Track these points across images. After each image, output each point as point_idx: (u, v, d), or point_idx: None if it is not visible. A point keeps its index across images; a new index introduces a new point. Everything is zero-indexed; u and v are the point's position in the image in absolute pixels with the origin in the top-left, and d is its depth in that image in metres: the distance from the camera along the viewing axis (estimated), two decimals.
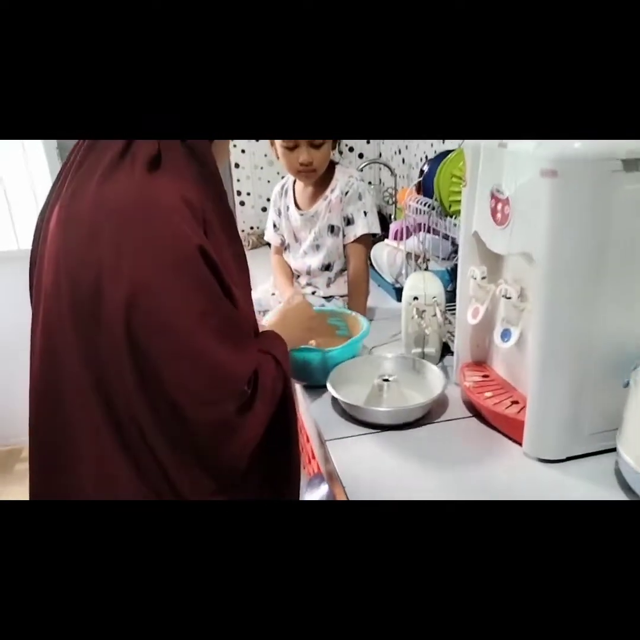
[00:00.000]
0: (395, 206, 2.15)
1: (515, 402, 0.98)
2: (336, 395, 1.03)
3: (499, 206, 0.90)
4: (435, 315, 1.11)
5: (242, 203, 2.39)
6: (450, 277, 1.44)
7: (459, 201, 1.21)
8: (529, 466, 0.90)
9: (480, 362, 1.12)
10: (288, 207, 1.57)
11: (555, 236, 0.79)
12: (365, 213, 1.46)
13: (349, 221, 1.47)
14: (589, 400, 0.86)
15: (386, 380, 1.05)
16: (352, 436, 1.00)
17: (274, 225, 1.63)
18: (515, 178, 0.84)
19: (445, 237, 1.62)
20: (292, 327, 0.96)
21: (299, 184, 1.54)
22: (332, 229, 1.48)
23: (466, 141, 1.01)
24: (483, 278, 1.00)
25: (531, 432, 0.90)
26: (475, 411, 1.05)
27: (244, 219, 2.39)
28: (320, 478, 1.56)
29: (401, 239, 1.61)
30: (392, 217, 2.15)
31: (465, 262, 1.04)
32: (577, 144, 0.73)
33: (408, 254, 1.55)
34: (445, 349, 1.26)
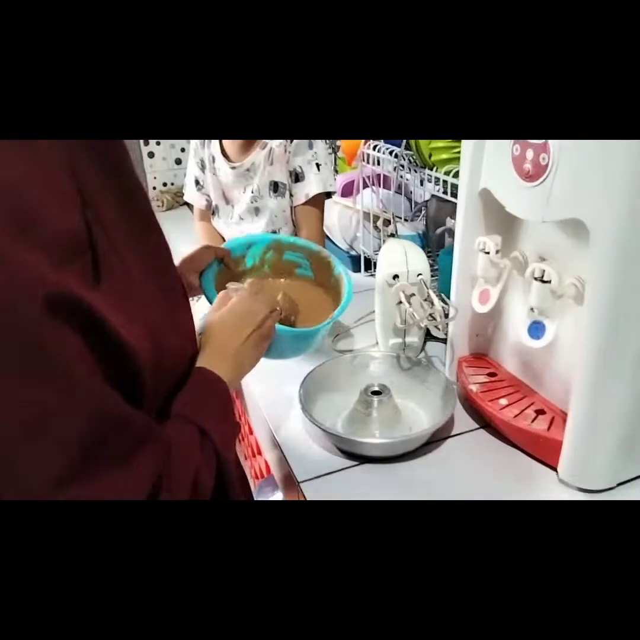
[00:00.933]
0: (335, 155, 1.85)
1: (540, 412, 0.76)
2: (312, 419, 0.76)
3: (529, 153, 0.64)
4: (427, 299, 0.85)
5: (150, 154, 1.99)
6: (423, 243, 1.19)
7: (445, 148, 0.95)
8: (568, 496, 0.69)
9: (480, 355, 0.89)
10: (213, 158, 1.24)
11: (627, 199, 0.54)
12: (317, 165, 1.15)
13: (297, 176, 1.16)
14: None
15: (376, 393, 0.79)
16: (332, 472, 0.75)
17: (197, 182, 1.29)
18: None
19: (405, 193, 1.36)
20: (234, 349, 0.60)
21: None
22: (275, 187, 1.17)
23: None
24: (497, 252, 0.75)
25: (573, 455, 0.69)
26: (484, 421, 0.83)
27: (153, 173, 2.00)
28: (273, 485, 1.31)
29: (355, 194, 1.33)
30: (333, 169, 1.85)
31: (469, 230, 0.79)
32: None
33: (366, 215, 1.28)
34: (427, 335, 1.02)
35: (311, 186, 1.16)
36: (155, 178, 2.00)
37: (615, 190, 0.55)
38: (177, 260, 0.78)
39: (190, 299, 0.78)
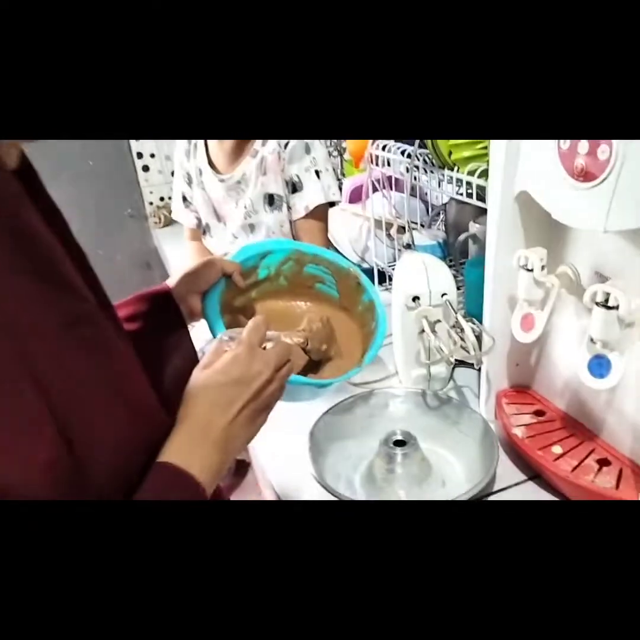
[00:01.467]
0: (342, 158, 1.71)
1: (604, 463, 0.62)
2: (324, 485, 0.63)
3: (582, 147, 0.50)
4: (455, 325, 0.71)
5: (145, 168, 1.87)
6: (444, 253, 1.05)
7: (468, 144, 0.81)
8: None
9: (523, 388, 0.75)
10: (200, 171, 1.11)
11: None
12: (317, 173, 1.02)
13: (294, 187, 1.03)
14: None
15: (400, 443, 0.65)
16: None
17: (184, 199, 1.17)
18: None
19: (420, 197, 1.22)
20: (219, 430, 0.44)
21: None
22: (270, 200, 1.03)
23: None
24: (543, 268, 0.61)
25: None
26: (531, 470, 0.69)
27: (149, 188, 1.88)
28: None
29: (363, 201, 1.19)
30: (339, 173, 1.72)
31: (504, 243, 0.65)
32: None
33: (377, 222, 1.14)
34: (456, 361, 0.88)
35: (311, 197, 1.02)
36: (151, 193, 1.88)
37: None
38: (175, 279, 0.64)
39: (188, 325, 0.64)
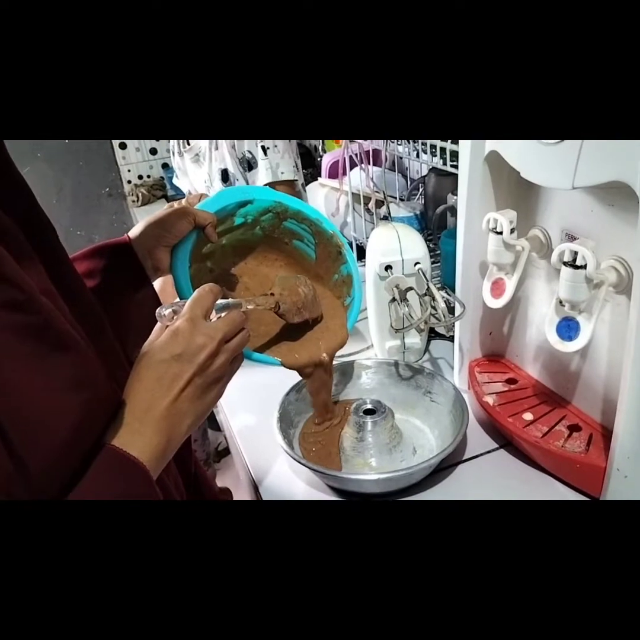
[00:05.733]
0: None
1: (574, 428, 0.61)
2: (289, 452, 0.62)
3: None
4: (427, 294, 0.70)
5: (122, 145, 1.83)
6: (421, 226, 1.04)
7: None
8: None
9: (496, 358, 0.74)
10: (179, 143, 1.10)
11: None
12: (264, 149, 0.97)
13: (249, 164, 1.00)
14: None
15: (370, 412, 0.64)
16: None
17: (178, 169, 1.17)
18: None
19: (400, 170, 1.21)
20: (162, 408, 0.43)
21: None
22: (225, 176, 1.00)
23: None
24: (512, 231, 0.60)
25: (619, 484, 0.54)
26: (504, 438, 0.68)
27: (127, 166, 1.85)
28: None
29: (342, 175, 1.17)
30: (320, 149, 1.69)
31: (473, 206, 0.64)
32: None
33: (355, 196, 1.12)
34: (430, 331, 0.88)
35: (258, 176, 0.99)
36: (129, 171, 1.84)
37: None
38: (140, 228, 0.58)
39: (152, 280, 0.59)
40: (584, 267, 0.50)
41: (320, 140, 1.70)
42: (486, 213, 0.61)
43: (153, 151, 1.84)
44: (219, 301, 0.49)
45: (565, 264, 0.52)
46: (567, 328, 0.55)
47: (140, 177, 1.86)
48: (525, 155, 0.55)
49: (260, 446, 0.72)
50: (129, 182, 1.85)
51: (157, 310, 0.47)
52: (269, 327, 0.66)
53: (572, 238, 0.58)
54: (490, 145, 0.59)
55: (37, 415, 0.35)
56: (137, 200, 1.76)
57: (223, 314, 0.48)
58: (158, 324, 0.47)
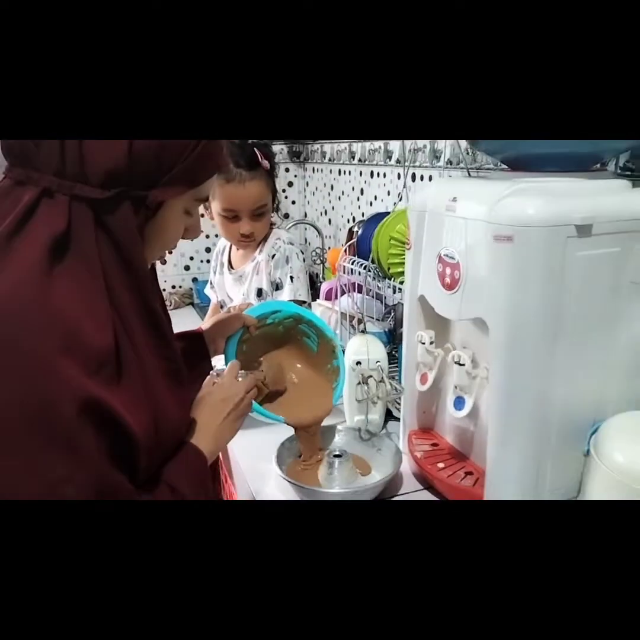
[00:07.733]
0: (323, 266, 2.13)
1: (468, 473, 0.94)
2: (283, 476, 0.94)
3: (448, 271, 0.87)
4: (382, 381, 1.06)
5: (163, 261, 2.28)
6: (388, 338, 1.41)
7: (399, 263, 1.20)
8: None
9: (427, 429, 1.07)
10: (223, 265, 1.52)
11: (511, 302, 0.76)
12: (291, 278, 1.41)
13: (277, 286, 1.43)
14: (549, 468, 0.82)
15: (337, 456, 0.97)
16: None
17: (211, 283, 1.58)
18: (466, 243, 0.82)
19: (378, 298, 1.61)
20: (214, 427, 0.77)
21: None
22: (259, 292, 1.43)
23: (409, 205, 0.99)
24: (431, 343, 0.96)
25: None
26: (427, 483, 1.00)
27: (165, 277, 2.28)
28: None
29: (334, 298, 1.57)
30: (321, 277, 2.13)
31: (412, 326, 1.01)
32: (531, 210, 0.72)
33: (343, 315, 1.51)
34: (388, 415, 1.21)
35: (284, 295, 1.41)
36: (165, 281, 2.27)
37: (500, 297, 0.78)
38: (209, 323, 0.95)
39: (211, 357, 0.94)
40: (464, 365, 0.86)
41: (322, 268, 2.14)
42: (417, 332, 0.98)
43: (186, 268, 2.28)
44: (240, 371, 0.87)
45: (455, 362, 0.88)
46: (459, 402, 0.90)
47: (173, 286, 2.28)
48: (438, 298, 0.93)
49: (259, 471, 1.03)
50: (164, 290, 2.28)
51: (211, 372, 0.84)
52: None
53: (465, 348, 0.94)
54: (420, 290, 0.97)
55: (175, 425, 0.69)
56: (171, 305, 2.17)
57: (242, 378, 0.85)
58: (208, 378, 0.84)
